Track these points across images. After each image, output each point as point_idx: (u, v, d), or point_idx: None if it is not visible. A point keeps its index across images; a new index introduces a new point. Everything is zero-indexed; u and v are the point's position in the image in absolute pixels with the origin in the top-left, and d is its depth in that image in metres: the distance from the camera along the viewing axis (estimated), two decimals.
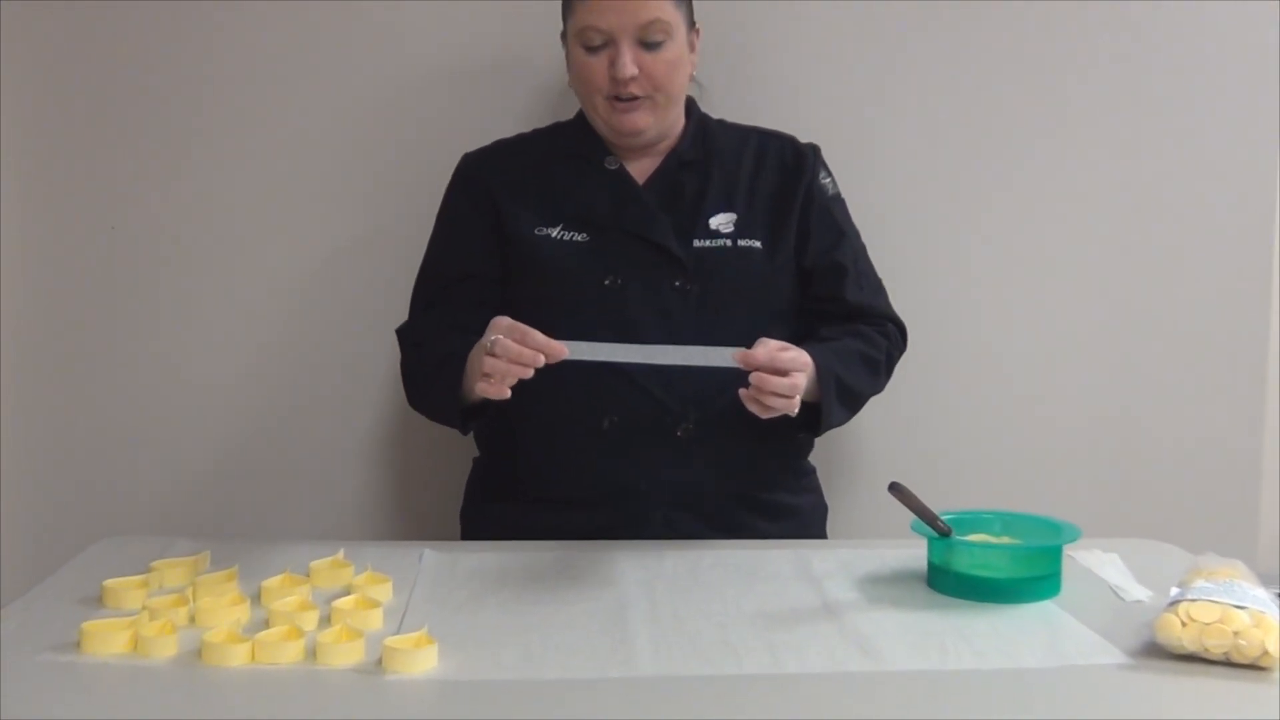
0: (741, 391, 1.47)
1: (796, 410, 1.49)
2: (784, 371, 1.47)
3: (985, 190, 2.05)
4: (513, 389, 1.42)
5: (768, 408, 1.47)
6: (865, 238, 1.80)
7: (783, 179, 1.74)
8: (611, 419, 1.64)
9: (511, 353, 1.41)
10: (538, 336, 1.41)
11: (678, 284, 1.65)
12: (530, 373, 1.41)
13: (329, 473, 2.07)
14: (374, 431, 2.07)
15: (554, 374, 1.44)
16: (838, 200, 1.79)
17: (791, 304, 1.73)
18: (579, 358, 1.44)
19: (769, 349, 1.48)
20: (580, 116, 1.76)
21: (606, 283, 1.64)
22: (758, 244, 1.69)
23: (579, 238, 1.67)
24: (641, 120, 1.66)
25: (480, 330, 1.53)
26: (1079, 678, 1.18)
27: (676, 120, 1.73)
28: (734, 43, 1.98)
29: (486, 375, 1.42)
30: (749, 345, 1.48)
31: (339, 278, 2.04)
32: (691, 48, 1.70)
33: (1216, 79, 2.03)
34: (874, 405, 1.76)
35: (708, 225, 1.69)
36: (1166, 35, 2.02)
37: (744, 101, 1.93)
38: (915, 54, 2.01)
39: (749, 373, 1.46)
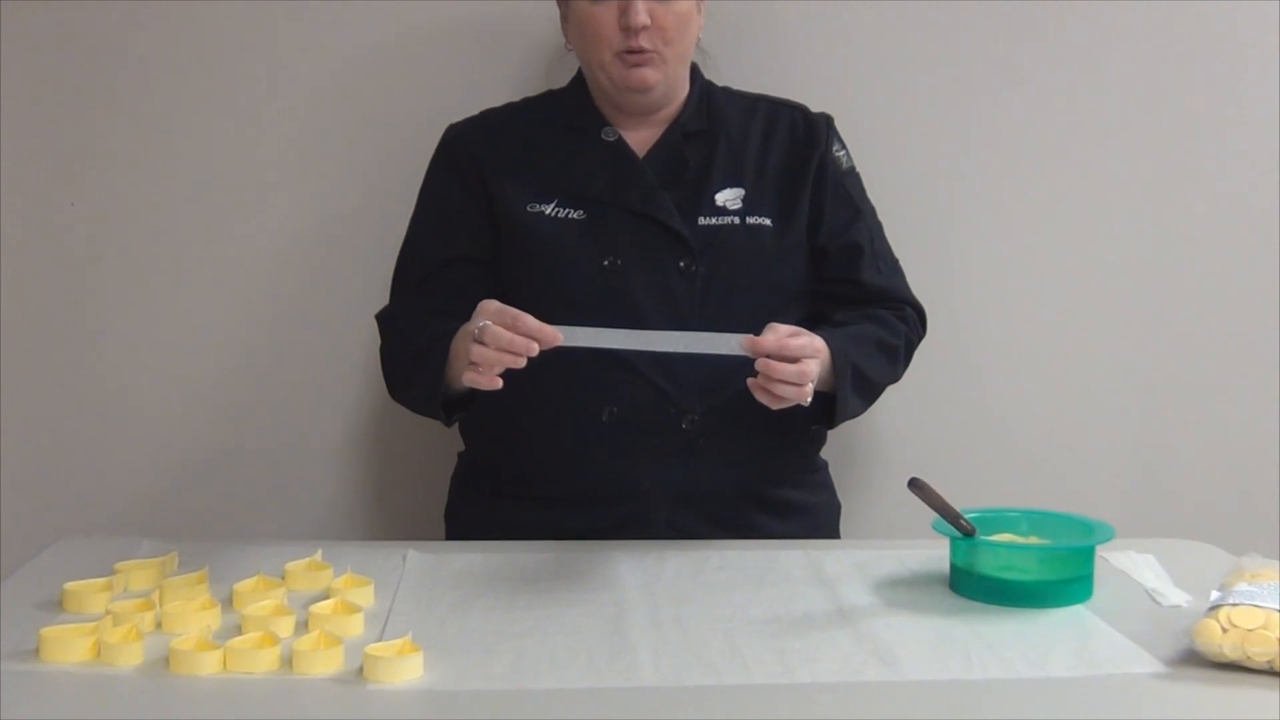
0: (749, 380, 1.47)
1: (809, 400, 1.48)
2: (794, 358, 1.46)
3: (1018, 171, 2.05)
4: (502, 378, 1.42)
5: (778, 398, 1.47)
6: (880, 217, 1.80)
7: (794, 151, 1.73)
8: (611, 410, 1.64)
9: (502, 340, 1.40)
10: (530, 321, 1.41)
11: (682, 265, 1.65)
12: (522, 362, 1.41)
13: (305, 468, 2.07)
14: (353, 424, 2.07)
15: (548, 361, 1.44)
16: (853, 175, 1.78)
17: (803, 286, 1.73)
18: (575, 345, 1.43)
19: (778, 334, 1.48)
20: (575, 84, 1.76)
21: (605, 264, 1.64)
22: (767, 221, 1.69)
23: (575, 215, 1.67)
24: (651, 76, 1.65)
25: (467, 316, 1.52)
26: (1112, 688, 1.18)
27: (681, 85, 1.72)
28: (739, 6, 1.98)
29: (474, 364, 1.42)
30: (758, 331, 1.48)
31: (314, 260, 2.03)
32: (698, 8, 1.70)
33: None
34: (891, 395, 1.76)
35: (713, 201, 1.68)
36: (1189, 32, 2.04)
37: (750, 69, 1.92)
38: (927, 43, 2.02)
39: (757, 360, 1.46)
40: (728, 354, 1.46)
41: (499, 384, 1.42)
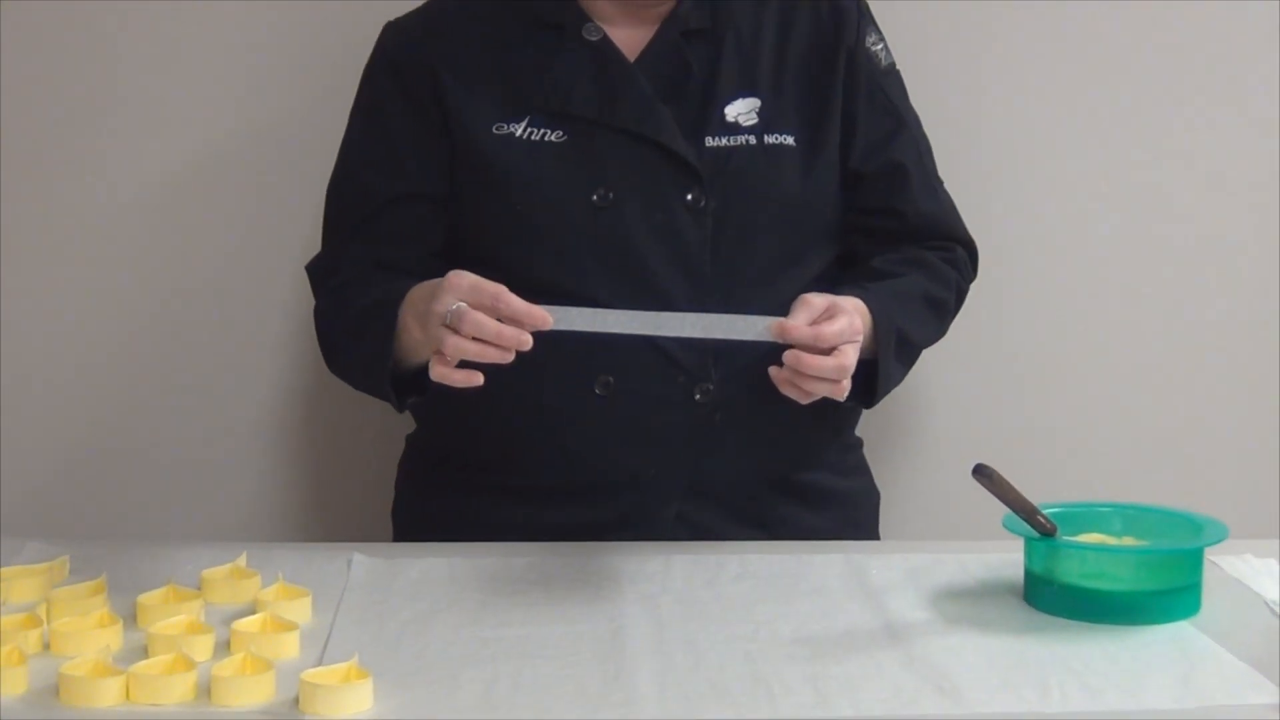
0: (773, 371, 1.48)
1: (845, 395, 1.49)
2: (830, 348, 1.47)
3: (1117, 138, 2.08)
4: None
5: (807, 393, 1.48)
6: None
7: (818, 48, 1.72)
8: (607, 380, 1.64)
9: (485, 330, 1.39)
10: (514, 302, 1.40)
11: (689, 198, 1.65)
12: (510, 357, 1.41)
13: (225, 454, 2.08)
14: (283, 400, 2.08)
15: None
16: (893, 75, 1.78)
17: (836, 219, 1.73)
18: (567, 328, 1.43)
19: (812, 314, 1.48)
20: None
21: (595, 199, 1.64)
22: (790, 140, 1.69)
23: (553, 137, 1.66)
24: None
25: (420, 271, 1.52)
26: None
27: None
28: None
29: (441, 355, 1.41)
30: (781, 286, 1.48)
31: (229, 201, 2.04)
32: None
33: None
34: (941, 352, 1.76)
35: (723, 117, 1.68)
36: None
37: None
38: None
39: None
40: (753, 340, 1.47)
41: (479, 380, 1.42)
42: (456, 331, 1.41)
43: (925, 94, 1.83)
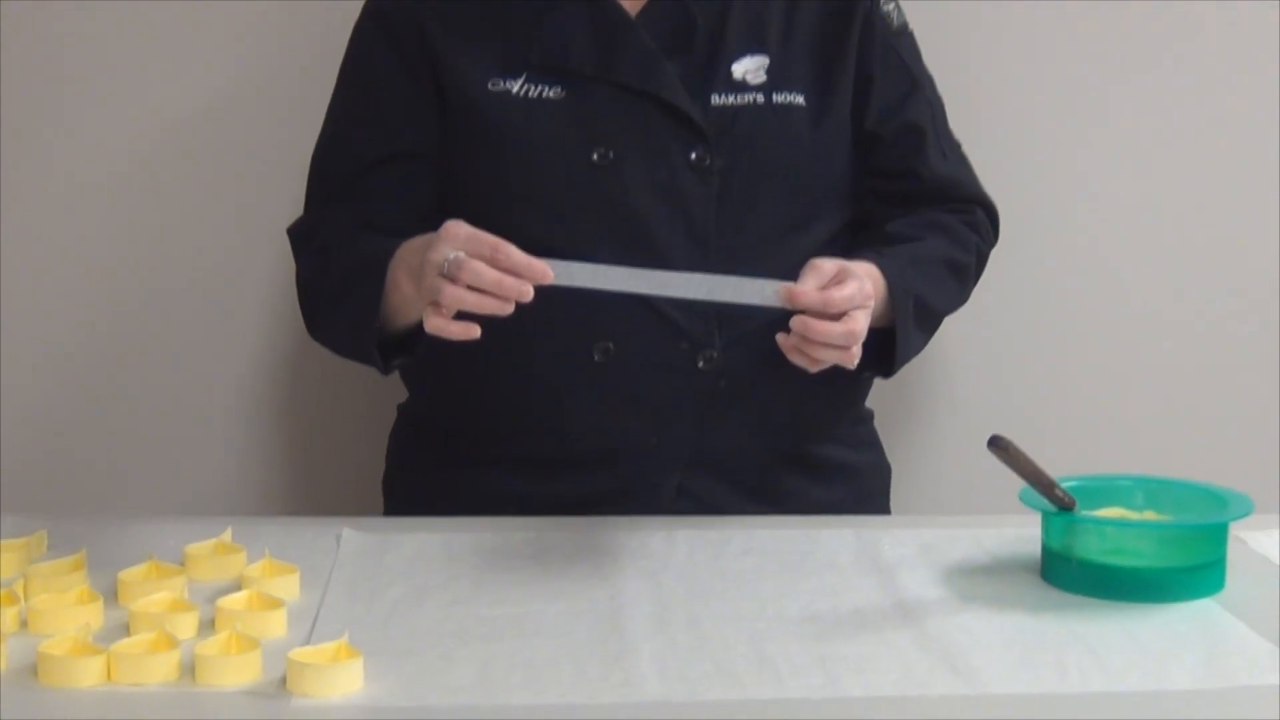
0: (780, 338, 1.48)
1: (854, 363, 1.49)
2: (839, 314, 1.47)
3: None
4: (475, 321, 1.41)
5: (816, 361, 1.48)
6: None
7: (831, 6, 1.72)
8: (606, 346, 1.64)
9: (484, 279, 1.39)
10: (514, 254, 1.40)
11: (693, 157, 1.65)
12: (510, 308, 1.40)
13: (208, 424, 2.08)
14: (267, 368, 2.08)
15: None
16: (907, 36, 1.78)
17: (848, 182, 1.74)
18: (567, 284, 1.43)
19: (821, 279, 1.48)
20: None
21: (595, 158, 1.64)
22: (799, 99, 1.69)
23: (551, 94, 1.66)
24: None
25: (408, 234, 1.52)
26: (1249, 703, 1.18)
27: None
28: None
29: (437, 306, 1.41)
30: (788, 250, 1.48)
31: (208, 161, 2.03)
32: None
33: None
34: (952, 320, 1.77)
35: (730, 74, 1.68)
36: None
37: None
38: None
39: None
40: (759, 304, 1.47)
41: (476, 332, 1.41)
42: (454, 281, 1.40)
43: (940, 56, 1.84)
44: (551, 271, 1.40)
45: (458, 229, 1.43)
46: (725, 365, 1.65)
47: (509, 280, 1.39)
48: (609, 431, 1.66)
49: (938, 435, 2.08)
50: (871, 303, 1.52)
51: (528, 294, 1.39)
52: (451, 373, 1.70)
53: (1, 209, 2.03)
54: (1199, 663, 1.25)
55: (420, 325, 1.46)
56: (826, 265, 1.50)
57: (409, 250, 1.53)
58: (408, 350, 1.61)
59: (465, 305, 1.40)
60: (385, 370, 1.64)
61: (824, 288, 1.48)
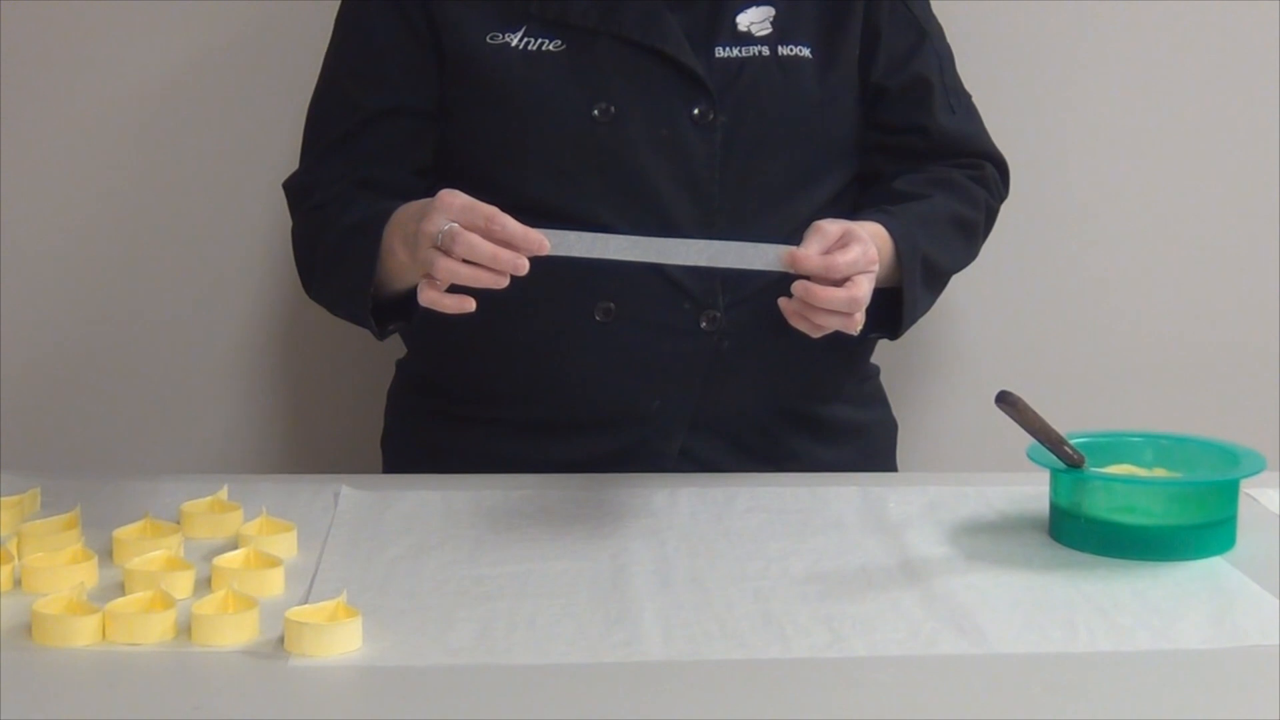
0: (782, 303, 1.47)
1: (858, 330, 1.49)
2: (843, 279, 1.46)
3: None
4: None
5: (818, 326, 1.48)
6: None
7: None
8: (607, 306, 1.64)
9: (480, 253, 1.39)
10: (509, 224, 1.40)
11: (696, 112, 1.64)
12: (505, 281, 1.40)
13: (204, 380, 2.08)
14: (263, 323, 2.08)
15: None
16: None
17: (854, 137, 1.73)
18: (565, 254, 1.42)
19: (825, 242, 1.47)
20: None
21: (595, 113, 1.64)
22: (806, 51, 1.68)
23: (551, 47, 1.65)
24: None
25: (405, 191, 1.51)
26: (1259, 663, 1.18)
27: None
28: None
29: (431, 279, 1.40)
30: (793, 198, 1.47)
31: (199, 113, 2.02)
32: None
33: None
34: (960, 274, 1.77)
35: (734, 26, 1.67)
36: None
37: None
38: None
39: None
40: (762, 269, 1.47)
41: (472, 305, 1.41)
42: (448, 254, 1.40)
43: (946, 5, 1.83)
44: (548, 242, 1.40)
45: (452, 199, 1.43)
46: (728, 326, 1.65)
47: (504, 254, 1.38)
48: (611, 393, 1.66)
49: (945, 391, 2.08)
50: (876, 267, 1.51)
51: (523, 268, 1.39)
52: (450, 334, 1.68)
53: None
54: (1209, 621, 1.25)
55: (416, 290, 1.46)
56: (830, 228, 1.49)
57: (404, 216, 1.52)
58: (405, 315, 1.60)
59: (459, 279, 1.40)
60: (381, 336, 1.64)
61: (828, 251, 1.47)
